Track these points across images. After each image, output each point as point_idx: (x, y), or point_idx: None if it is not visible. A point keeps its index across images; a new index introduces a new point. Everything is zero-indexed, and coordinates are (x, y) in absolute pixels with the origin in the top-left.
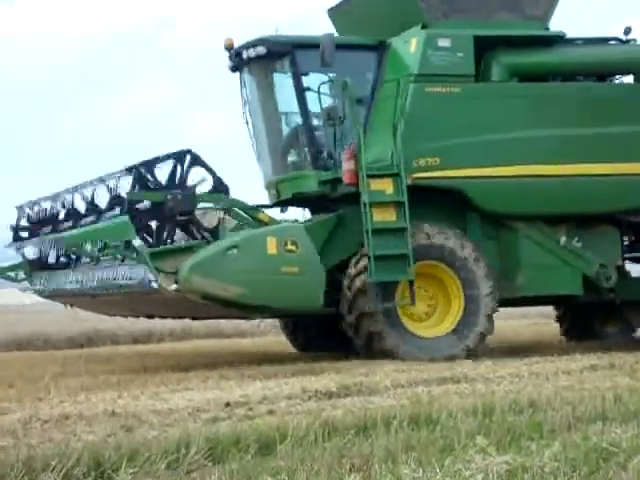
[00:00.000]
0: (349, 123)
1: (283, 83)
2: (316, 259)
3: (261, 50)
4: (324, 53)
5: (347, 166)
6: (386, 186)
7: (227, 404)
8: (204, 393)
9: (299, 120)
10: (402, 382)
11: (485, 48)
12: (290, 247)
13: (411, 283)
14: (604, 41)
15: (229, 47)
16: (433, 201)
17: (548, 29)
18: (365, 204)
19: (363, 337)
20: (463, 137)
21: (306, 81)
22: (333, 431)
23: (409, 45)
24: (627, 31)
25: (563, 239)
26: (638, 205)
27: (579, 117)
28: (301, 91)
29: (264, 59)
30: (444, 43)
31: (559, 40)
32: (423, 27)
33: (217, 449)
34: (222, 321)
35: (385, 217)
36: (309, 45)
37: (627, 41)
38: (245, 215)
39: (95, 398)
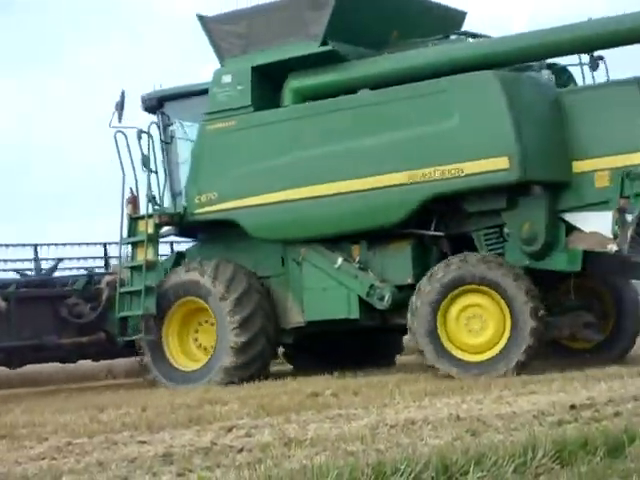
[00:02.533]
0: (196, 169)
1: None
2: None
3: (141, 106)
4: (116, 109)
5: (126, 211)
6: (147, 226)
7: (572, 406)
8: (548, 396)
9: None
10: None
11: (282, 75)
12: None
13: (149, 317)
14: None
15: None
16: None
17: (327, 44)
18: (128, 245)
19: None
20: (237, 169)
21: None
22: None
23: None
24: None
25: (339, 260)
26: (401, 218)
27: (337, 133)
28: (161, 141)
29: (148, 114)
30: (226, 79)
31: (336, 55)
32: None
33: (564, 452)
34: None
35: (144, 255)
36: (176, 96)
37: (475, 35)
38: None
39: (439, 403)
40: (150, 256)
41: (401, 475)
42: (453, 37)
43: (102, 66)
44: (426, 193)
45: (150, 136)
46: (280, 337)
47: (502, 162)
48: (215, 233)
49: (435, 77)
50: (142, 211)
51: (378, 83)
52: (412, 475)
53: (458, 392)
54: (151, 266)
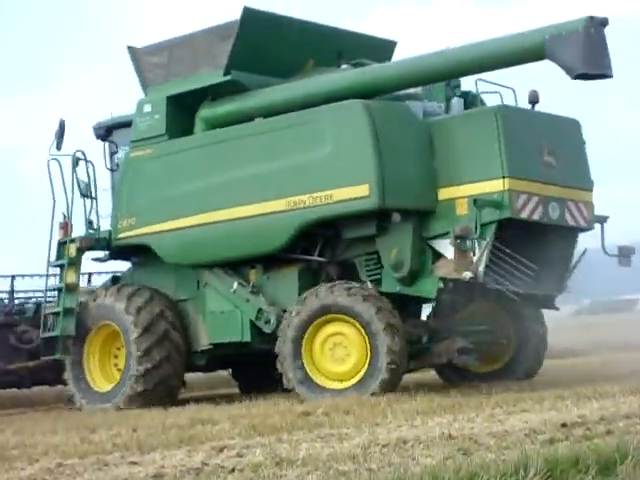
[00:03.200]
0: (120, 196)
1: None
2: None
3: (93, 135)
4: (55, 137)
5: (57, 235)
6: (68, 250)
7: (564, 425)
8: (540, 414)
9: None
10: None
11: (195, 104)
12: None
13: (67, 338)
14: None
15: None
16: None
17: (229, 74)
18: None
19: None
20: (151, 195)
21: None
22: None
23: None
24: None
25: (235, 284)
26: (285, 243)
27: (229, 161)
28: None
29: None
30: (147, 108)
31: (237, 85)
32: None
33: (556, 471)
34: (552, 342)
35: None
36: (123, 125)
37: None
38: None
39: (431, 422)
40: (71, 279)
41: None
42: (344, 66)
43: (90, 88)
44: (303, 219)
45: (91, 163)
46: (192, 360)
47: (363, 189)
48: (144, 257)
49: (315, 106)
50: (75, 236)
51: (271, 112)
52: None
53: (450, 411)
54: (72, 288)
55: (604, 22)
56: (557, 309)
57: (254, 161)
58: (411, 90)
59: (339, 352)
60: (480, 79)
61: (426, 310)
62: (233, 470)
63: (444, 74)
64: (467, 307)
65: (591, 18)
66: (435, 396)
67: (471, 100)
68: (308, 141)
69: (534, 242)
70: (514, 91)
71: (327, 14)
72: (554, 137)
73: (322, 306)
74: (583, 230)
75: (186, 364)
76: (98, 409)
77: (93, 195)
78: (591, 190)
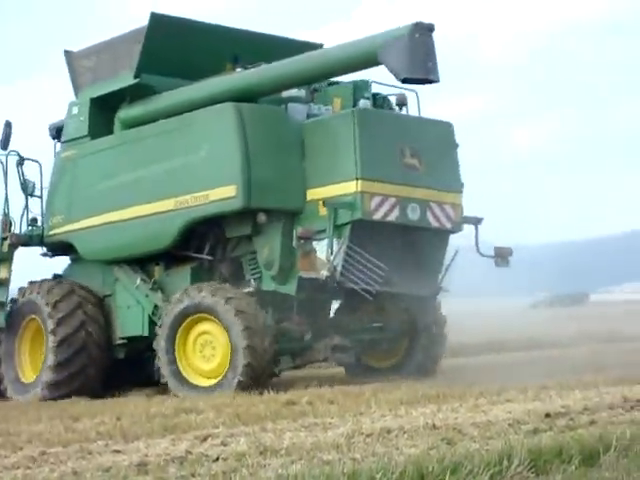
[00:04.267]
0: (51, 194)
1: None
2: None
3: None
4: (2, 137)
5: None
6: (4, 247)
7: (547, 415)
8: (524, 404)
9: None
10: None
11: (116, 107)
12: None
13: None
14: None
15: None
16: None
17: (138, 77)
18: None
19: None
20: (74, 194)
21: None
22: None
23: None
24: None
25: (138, 280)
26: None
27: (127, 162)
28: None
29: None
30: (75, 110)
31: (146, 88)
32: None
33: (539, 461)
34: (536, 333)
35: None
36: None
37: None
38: None
39: (415, 412)
40: (3, 274)
41: None
42: (239, 69)
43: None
44: (187, 218)
45: (21, 160)
46: (112, 353)
47: (231, 190)
48: (77, 253)
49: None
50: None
51: (171, 114)
52: None
53: (434, 401)
54: (2, 283)
55: (430, 28)
56: (435, 310)
57: (149, 162)
58: (294, 92)
59: (208, 350)
60: (374, 81)
61: (334, 307)
62: (217, 459)
63: (298, 79)
64: (361, 305)
65: (417, 24)
66: (419, 386)
67: (381, 102)
68: (189, 143)
69: (402, 243)
70: (417, 93)
71: (312, 11)
72: (419, 140)
73: (191, 305)
74: (451, 232)
75: (108, 357)
76: (24, 399)
77: (37, 193)
78: (460, 192)
